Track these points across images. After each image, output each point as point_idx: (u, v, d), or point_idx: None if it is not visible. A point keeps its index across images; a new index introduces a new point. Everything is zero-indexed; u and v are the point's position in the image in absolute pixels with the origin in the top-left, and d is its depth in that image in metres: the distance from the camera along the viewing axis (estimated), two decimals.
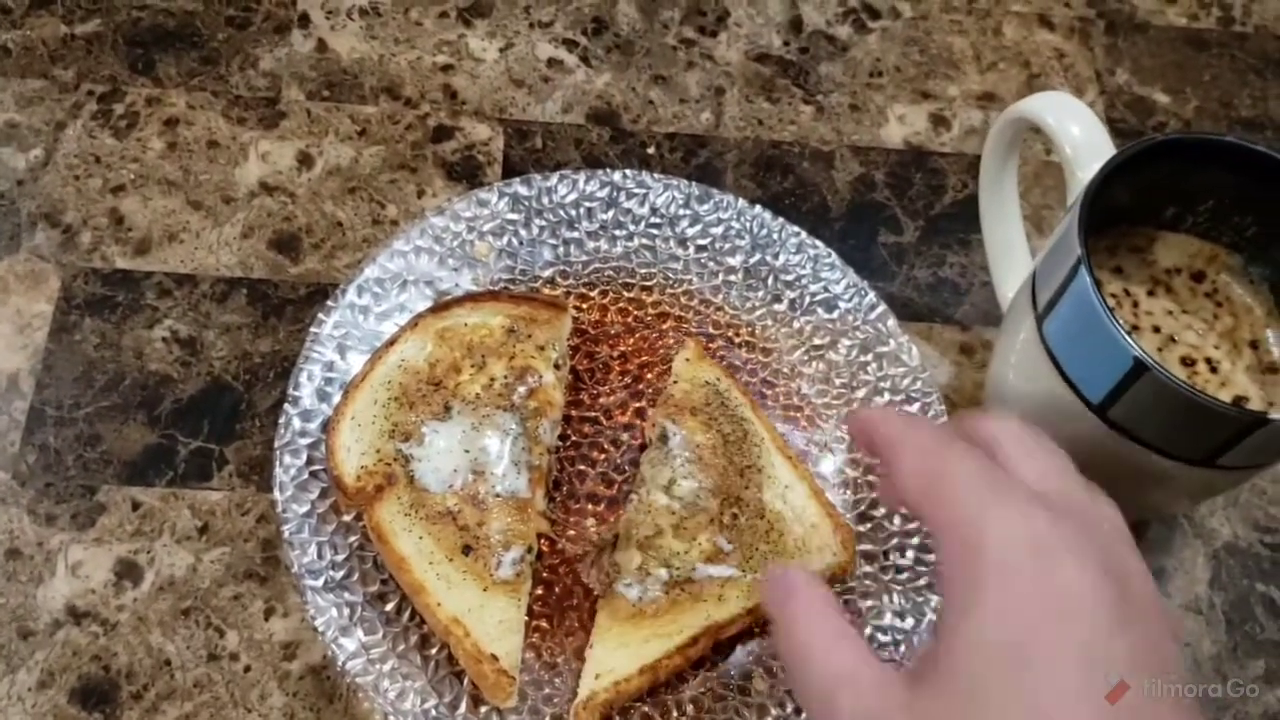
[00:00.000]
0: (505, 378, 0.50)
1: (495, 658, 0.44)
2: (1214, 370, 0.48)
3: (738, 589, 0.47)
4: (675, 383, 0.52)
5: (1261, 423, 0.41)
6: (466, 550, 0.46)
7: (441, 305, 0.52)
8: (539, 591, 0.48)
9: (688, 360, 0.53)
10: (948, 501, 0.34)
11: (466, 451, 0.48)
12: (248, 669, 0.46)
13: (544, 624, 0.48)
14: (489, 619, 0.45)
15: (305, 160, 0.58)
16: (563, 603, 0.48)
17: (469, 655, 0.44)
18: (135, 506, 0.49)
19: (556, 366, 0.51)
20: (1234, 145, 0.48)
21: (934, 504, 0.35)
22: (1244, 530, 0.55)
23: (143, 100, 0.58)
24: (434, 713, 0.44)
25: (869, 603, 0.49)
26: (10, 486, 0.48)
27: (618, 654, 0.45)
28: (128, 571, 0.47)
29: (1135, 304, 0.50)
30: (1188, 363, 0.48)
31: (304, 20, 0.62)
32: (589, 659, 0.46)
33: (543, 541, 0.49)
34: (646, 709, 0.46)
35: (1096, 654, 0.31)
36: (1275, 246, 0.49)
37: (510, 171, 0.59)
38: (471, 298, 0.52)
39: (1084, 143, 0.47)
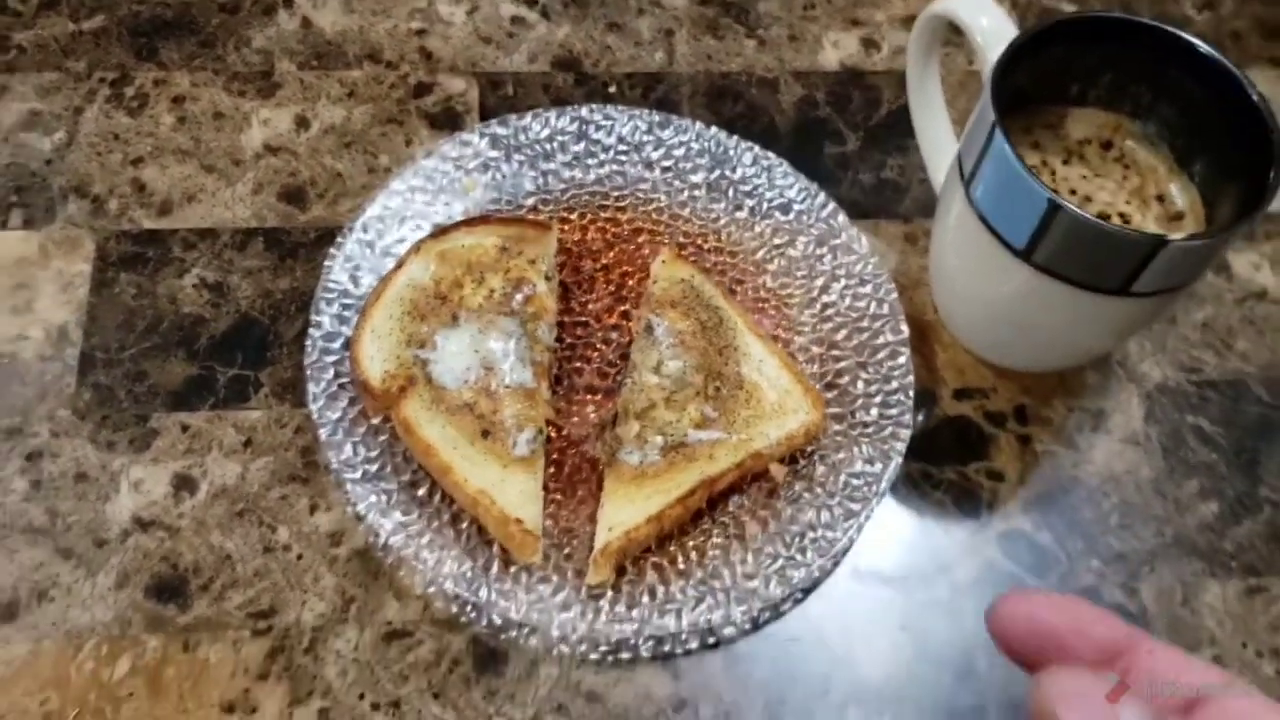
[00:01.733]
0: (503, 288, 0.56)
1: (520, 521, 0.50)
2: (1127, 222, 0.55)
3: (725, 448, 0.53)
4: (655, 283, 0.58)
5: (1162, 244, 0.48)
6: (485, 434, 0.52)
7: (440, 231, 0.58)
8: (550, 470, 0.54)
9: (664, 263, 0.59)
10: None
11: (476, 352, 0.54)
12: (300, 557, 0.52)
13: (558, 497, 0.54)
14: (511, 490, 0.51)
15: (302, 122, 0.64)
16: (572, 478, 0.54)
17: (497, 521, 0.50)
18: (184, 429, 0.54)
19: (547, 277, 0.58)
20: (1122, 20, 0.55)
21: None
22: (1172, 371, 0.61)
23: (150, 83, 0.64)
24: (469, 575, 0.50)
25: (841, 455, 0.55)
26: (71, 421, 0.54)
27: (625, 509, 0.51)
28: (184, 484, 0.53)
29: (1053, 172, 0.56)
30: (1103, 217, 0.55)
31: (288, 1, 0.68)
32: (601, 517, 0.52)
33: (550, 427, 0.55)
34: (655, 558, 0.52)
35: None
36: (1169, 110, 0.56)
37: (487, 117, 0.65)
38: (466, 222, 0.58)
39: (991, 30, 0.54)
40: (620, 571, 0.52)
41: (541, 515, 0.52)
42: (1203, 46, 0.52)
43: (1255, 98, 0.51)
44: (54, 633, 0.49)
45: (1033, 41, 0.52)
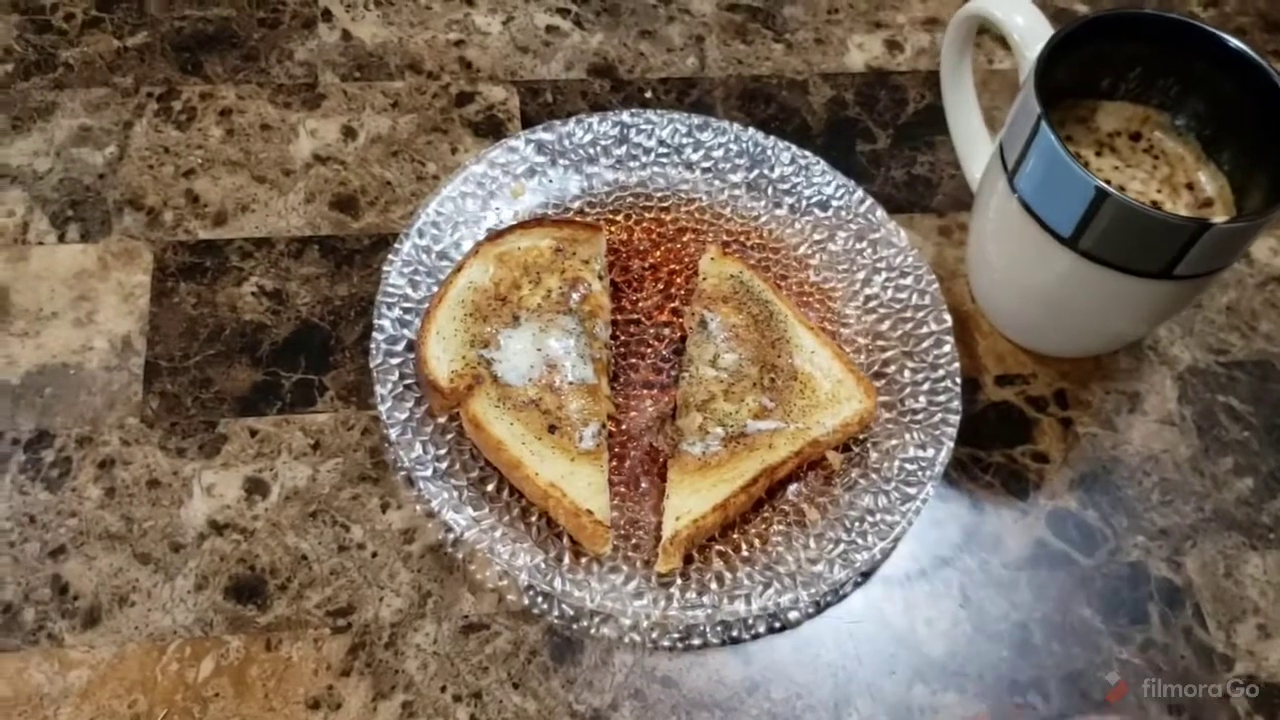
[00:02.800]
0: (560, 288, 0.58)
1: (591, 512, 0.52)
2: (1159, 210, 0.57)
3: (784, 437, 0.55)
4: (704, 280, 0.60)
5: (1206, 227, 0.50)
6: (552, 429, 0.54)
7: (496, 234, 0.59)
8: (612, 464, 0.56)
9: (712, 259, 0.60)
10: None
11: (539, 350, 0.56)
12: (374, 555, 0.53)
13: (622, 489, 0.55)
14: (579, 483, 0.53)
15: (349, 133, 0.65)
16: (634, 471, 0.56)
17: (568, 513, 0.52)
18: (253, 434, 0.55)
19: (600, 277, 0.59)
20: (1150, 16, 0.57)
21: None
22: (1201, 354, 0.63)
23: (197, 96, 0.66)
24: (542, 566, 0.51)
25: (893, 441, 0.57)
26: (140, 429, 0.55)
27: (691, 499, 0.53)
28: (256, 487, 0.54)
29: (1085, 164, 0.58)
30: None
31: (327, 15, 0.69)
32: (668, 507, 0.53)
33: (611, 421, 0.56)
34: (720, 546, 0.54)
35: None
36: (1195, 101, 0.58)
37: (528, 124, 0.66)
38: (521, 225, 0.60)
39: (1028, 28, 0.56)
40: (688, 560, 0.53)
41: (609, 505, 0.54)
42: (1231, 41, 0.55)
43: None
44: (137, 636, 0.50)
45: (1069, 38, 0.54)
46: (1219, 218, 0.56)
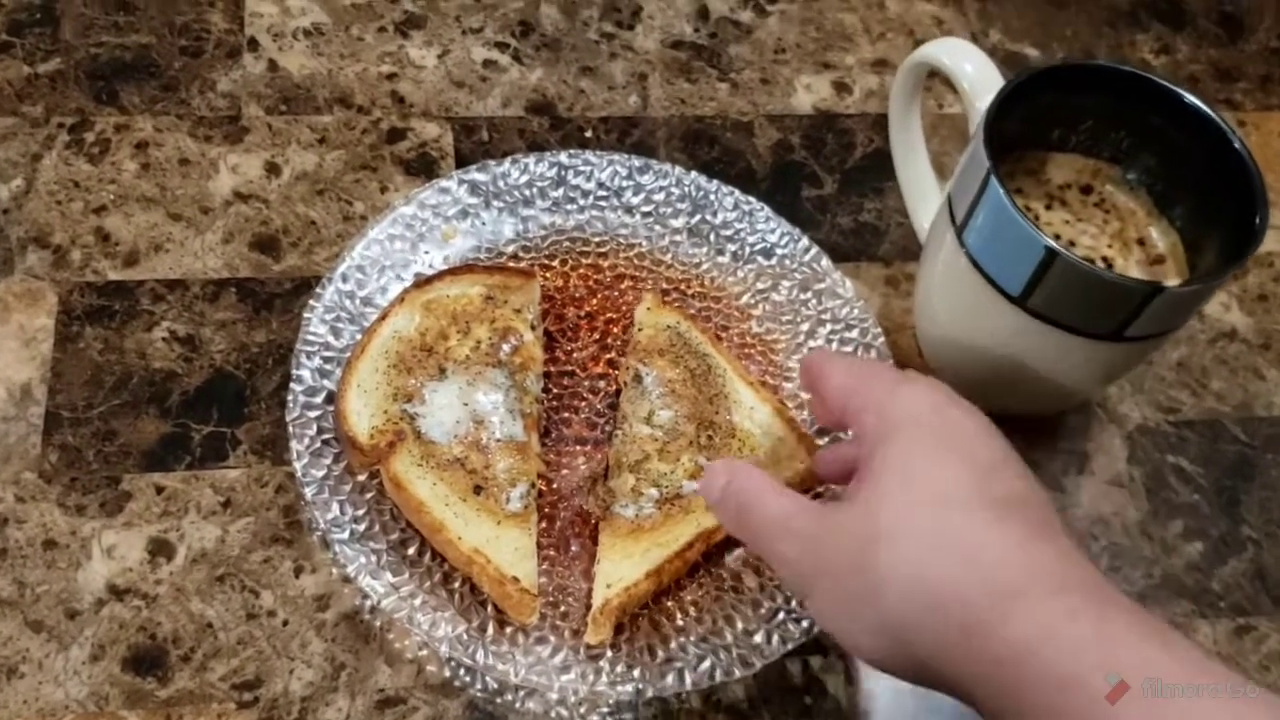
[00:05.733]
0: (490, 339, 0.55)
1: (517, 579, 0.49)
2: (1110, 266, 0.55)
3: None
4: (640, 330, 0.57)
5: (1158, 290, 0.48)
6: (477, 490, 0.51)
7: (424, 281, 0.56)
8: (541, 525, 0.53)
9: (649, 309, 0.58)
10: (865, 391, 0.43)
11: (465, 405, 0.53)
12: (285, 623, 0.50)
13: (551, 553, 0.52)
14: (505, 547, 0.50)
15: (273, 169, 0.62)
16: (564, 533, 0.53)
17: (493, 580, 0.49)
18: (159, 490, 0.52)
19: (533, 327, 0.56)
20: (1102, 68, 0.56)
21: (857, 396, 0.43)
22: (1150, 412, 0.62)
23: (111, 128, 0.62)
24: (465, 637, 0.49)
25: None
26: (38, 485, 0.51)
27: (623, 565, 0.50)
28: (160, 548, 0.51)
29: (1036, 217, 0.57)
30: (1087, 262, 0.55)
31: (253, 44, 0.66)
32: (598, 573, 0.51)
33: (541, 480, 0.54)
34: (653, 614, 0.51)
35: (979, 456, 0.39)
36: (1146, 155, 0.57)
37: (462, 163, 0.64)
38: (450, 272, 0.57)
39: (978, 76, 0.54)
40: (619, 629, 0.50)
41: (536, 571, 0.51)
42: (1186, 95, 0.53)
43: (1238, 145, 0.52)
44: (26, 711, 0.47)
45: (1020, 89, 0.53)
46: (1170, 275, 0.55)
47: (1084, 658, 0.33)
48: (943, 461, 0.39)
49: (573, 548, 0.53)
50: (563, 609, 0.51)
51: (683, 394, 0.55)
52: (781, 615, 0.51)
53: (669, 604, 0.52)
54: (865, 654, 0.39)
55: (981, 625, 0.35)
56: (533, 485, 0.52)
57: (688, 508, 0.52)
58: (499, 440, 0.52)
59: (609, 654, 0.49)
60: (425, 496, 0.50)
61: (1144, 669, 0.32)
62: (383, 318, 0.55)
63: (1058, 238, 0.56)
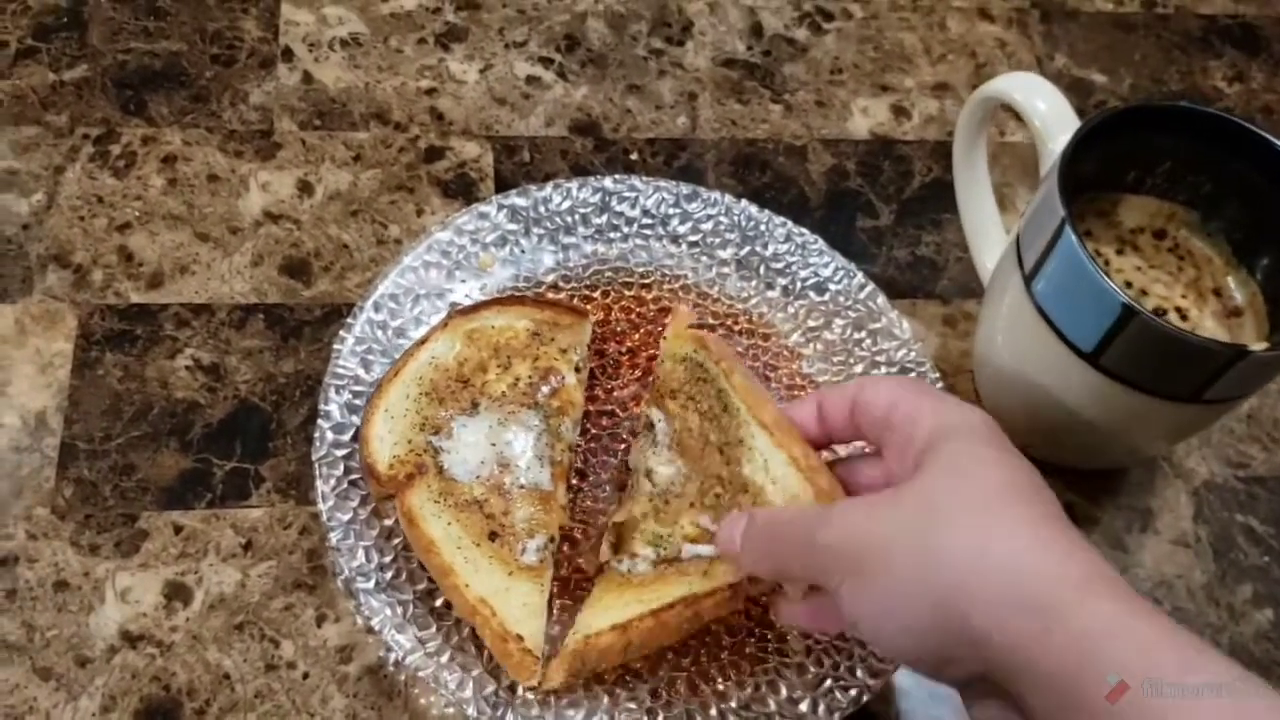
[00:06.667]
0: (530, 378, 0.52)
1: (520, 637, 0.46)
2: (1184, 318, 0.52)
3: (723, 564, 0.47)
4: (662, 364, 0.53)
5: (1243, 354, 0.45)
6: (493, 536, 0.48)
7: (470, 307, 0.54)
8: (577, 576, 0.50)
9: (666, 339, 0.53)
10: (915, 400, 0.42)
11: (493, 445, 0.50)
12: (306, 675, 0.47)
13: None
14: (514, 601, 0.47)
15: (305, 188, 0.59)
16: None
17: (495, 635, 0.46)
18: (177, 530, 0.50)
19: (577, 369, 0.54)
20: (1187, 110, 0.52)
21: (904, 404, 0.42)
22: (1219, 468, 0.59)
23: (138, 140, 0.60)
24: (494, 697, 0.46)
25: None
26: (50, 521, 0.49)
27: (599, 617, 0.47)
28: (177, 593, 0.48)
29: (1106, 263, 0.53)
30: (1160, 313, 0.52)
31: (287, 54, 0.64)
32: (578, 622, 0.47)
33: (572, 530, 0.51)
34: (693, 677, 0.48)
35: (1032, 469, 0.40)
36: (1227, 201, 0.53)
37: (502, 185, 0.61)
38: (498, 301, 0.54)
39: (1051, 116, 0.51)
40: (655, 695, 0.48)
41: (544, 632, 0.47)
42: (1275, 141, 0.50)
43: None
44: None
45: (1095, 131, 0.50)
46: (1248, 329, 0.52)
47: (1151, 654, 0.33)
48: (1001, 461, 0.39)
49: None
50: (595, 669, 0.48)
51: (689, 445, 0.51)
52: (829, 683, 0.48)
53: (709, 666, 0.49)
54: (900, 640, 0.38)
55: (1059, 604, 0.34)
56: (552, 539, 0.49)
57: (684, 570, 0.47)
58: (523, 487, 0.50)
59: (644, 719, 0.47)
60: (437, 536, 0.48)
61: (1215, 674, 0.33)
62: (422, 342, 0.52)
63: (1129, 285, 0.53)
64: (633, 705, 0.47)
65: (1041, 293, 0.49)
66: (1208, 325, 0.52)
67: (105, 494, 0.50)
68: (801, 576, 0.43)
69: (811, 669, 0.49)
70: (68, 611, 0.48)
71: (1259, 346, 0.45)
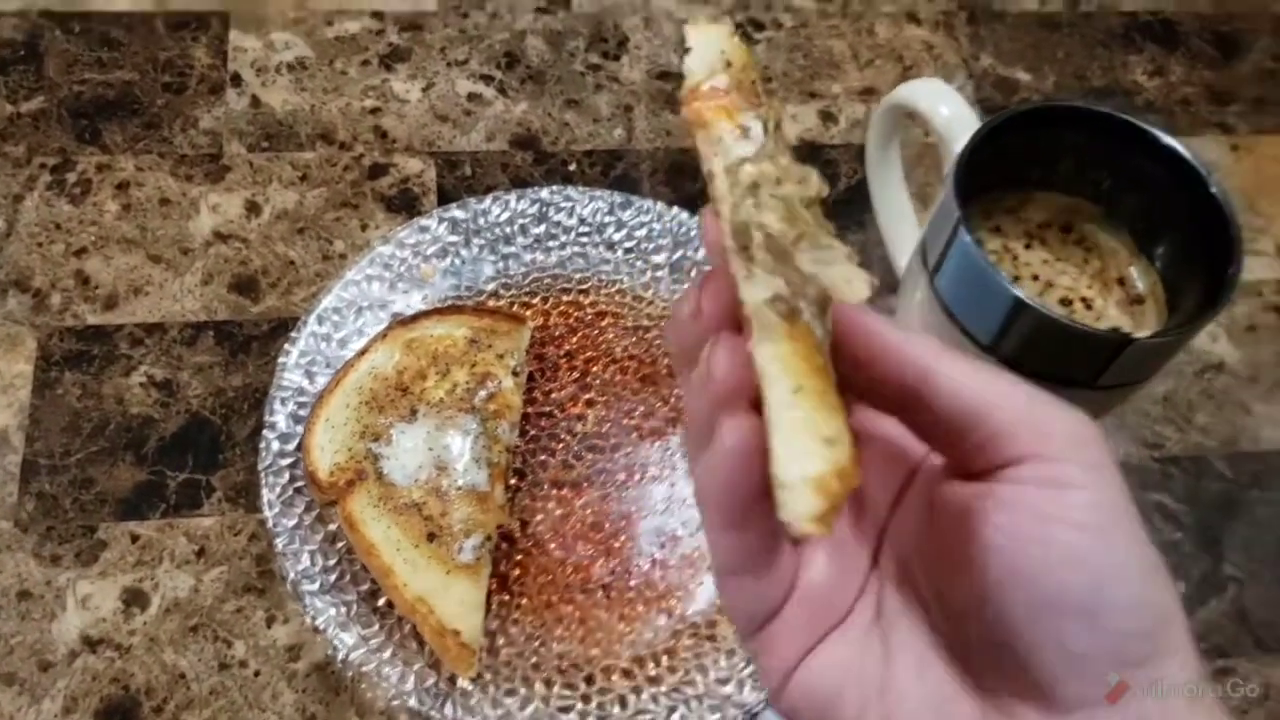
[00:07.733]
0: (467, 383, 0.55)
1: (457, 633, 0.49)
2: (1089, 307, 0.55)
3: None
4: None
5: (1128, 342, 0.48)
6: (431, 537, 0.51)
7: (410, 318, 0.56)
8: (515, 572, 0.53)
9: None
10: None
11: (430, 449, 0.53)
12: (257, 673, 0.50)
13: (523, 601, 0.52)
14: (451, 599, 0.50)
15: (253, 208, 0.62)
16: (537, 581, 0.53)
17: (434, 631, 0.49)
18: (134, 539, 0.52)
19: (515, 373, 0.56)
20: (1082, 110, 0.55)
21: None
22: (1134, 448, 0.61)
23: (93, 167, 0.62)
24: (435, 689, 0.49)
25: None
26: (13, 534, 0.52)
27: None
28: (135, 598, 0.51)
29: (1015, 257, 0.56)
30: (1066, 303, 0.54)
31: (236, 79, 0.67)
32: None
33: (511, 527, 0.54)
34: (627, 665, 0.51)
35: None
36: (1126, 194, 0.56)
37: (444, 199, 0.64)
38: (438, 311, 0.57)
39: (953, 120, 0.54)
40: (589, 680, 0.50)
41: (482, 625, 0.51)
42: (1164, 138, 0.52)
43: (1215, 190, 0.51)
44: None
45: (994, 133, 0.52)
46: (1149, 316, 0.54)
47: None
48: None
49: (544, 596, 0.53)
50: (533, 660, 0.51)
51: None
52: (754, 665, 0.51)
53: (645, 655, 0.52)
54: None
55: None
56: (489, 538, 0.52)
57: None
58: (460, 488, 0.52)
59: (579, 705, 0.50)
60: (377, 539, 0.50)
61: None
62: (363, 353, 0.55)
63: (1035, 278, 0.55)
64: (568, 692, 0.50)
65: (944, 287, 0.52)
66: (1111, 314, 0.55)
67: (65, 507, 0.53)
68: None
69: (740, 651, 0.51)
70: (30, 619, 0.50)
71: (1142, 334, 0.48)
